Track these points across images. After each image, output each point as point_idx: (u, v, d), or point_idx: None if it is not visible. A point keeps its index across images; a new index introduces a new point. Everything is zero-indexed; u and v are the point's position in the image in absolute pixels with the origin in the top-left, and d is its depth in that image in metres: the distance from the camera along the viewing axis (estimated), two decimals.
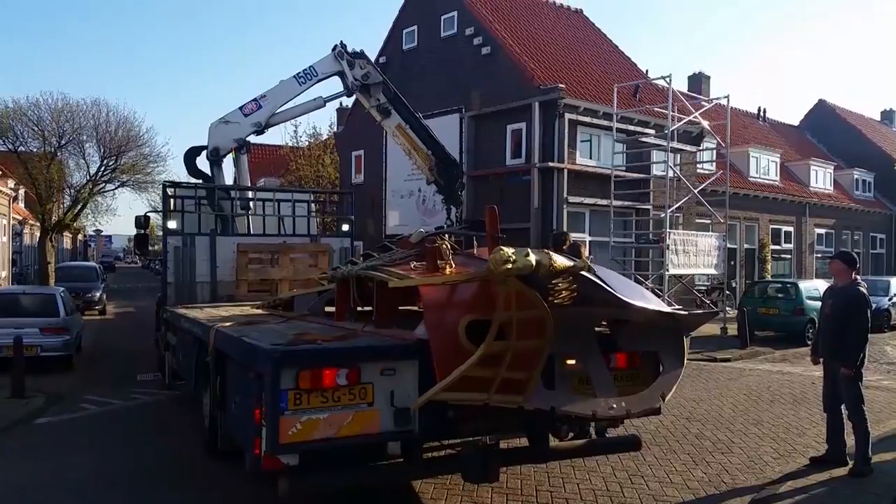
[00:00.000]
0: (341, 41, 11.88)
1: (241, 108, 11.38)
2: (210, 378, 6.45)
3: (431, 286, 4.94)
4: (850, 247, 33.75)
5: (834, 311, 6.76)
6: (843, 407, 6.82)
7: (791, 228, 29.92)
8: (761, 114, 35.97)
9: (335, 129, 32.41)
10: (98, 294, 23.24)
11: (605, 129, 19.37)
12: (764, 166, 29.19)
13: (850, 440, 6.83)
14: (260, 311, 8.48)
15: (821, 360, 7.12)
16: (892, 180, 33.01)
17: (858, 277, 6.95)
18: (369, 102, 12.16)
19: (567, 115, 18.86)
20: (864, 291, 6.78)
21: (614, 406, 4.98)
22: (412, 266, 5.58)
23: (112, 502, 6.20)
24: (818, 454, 7.07)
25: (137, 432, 8.64)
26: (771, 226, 28.59)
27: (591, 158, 19.96)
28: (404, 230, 17.01)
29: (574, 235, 18.68)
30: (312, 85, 11.75)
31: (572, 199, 19.00)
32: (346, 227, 11.88)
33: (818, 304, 17.80)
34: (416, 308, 6.26)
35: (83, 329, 15.31)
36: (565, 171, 18.80)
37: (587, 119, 19.38)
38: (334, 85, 12.52)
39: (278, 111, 11.66)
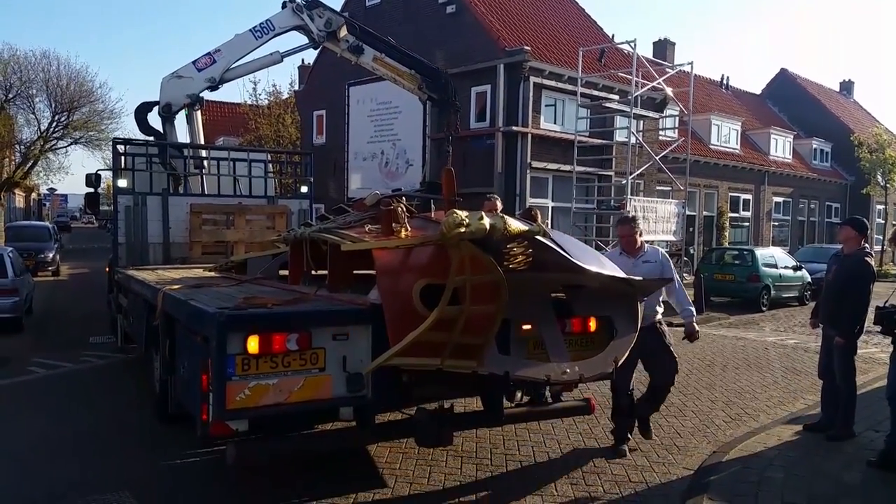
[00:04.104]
0: None
1: (194, 62, 10.96)
2: (159, 342, 6.30)
3: (385, 250, 4.84)
4: (807, 215, 34.52)
5: (836, 279, 6.53)
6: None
7: (750, 196, 30.40)
8: (724, 82, 36.21)
9: (296, 87, 31.64)
10: (51, 254, 22.55)
11: (570, 93, 19.25)
12: (725, 134, 29.50)
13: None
14: (212, 274, 8.28)
15: (820, 325, 6.93)
16: (849, 150, 33.59)
17: (867, 246, 6.66)
18: (339, 47, 11.87)
19: (532, 79, 18.67)
20: (870, 262, 6.47)
21: (568, 371, 4.97)
22: (367, 229, 5.45)
23: (56, 471, 6.00)
24: (812, 422, 6.93)
25: (87, 397, 8.42)
26: (730, 193, 29.00)
27: (555, 123, 19.86)
28: (366, 193, 16.77)
29: (537, 201, 18.94)
30: (269, 39, 11.37)
31: (536, 164, 18.92)
32: (304, 189, 11.65)
33: (774, 271, 18.68)
34: (371, 272, 6.15)
35: (34, 290, 14.90)
36: (529, 135, 18.69)
37: (552, 83, 19.21)
38: (292, 40, 12.16)
39: (233, 66, 11.26)
